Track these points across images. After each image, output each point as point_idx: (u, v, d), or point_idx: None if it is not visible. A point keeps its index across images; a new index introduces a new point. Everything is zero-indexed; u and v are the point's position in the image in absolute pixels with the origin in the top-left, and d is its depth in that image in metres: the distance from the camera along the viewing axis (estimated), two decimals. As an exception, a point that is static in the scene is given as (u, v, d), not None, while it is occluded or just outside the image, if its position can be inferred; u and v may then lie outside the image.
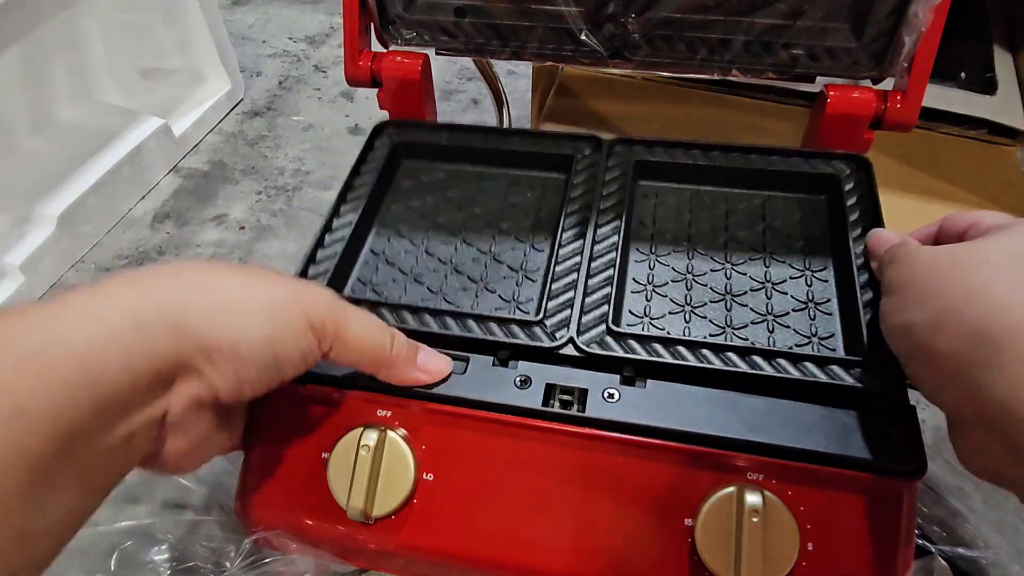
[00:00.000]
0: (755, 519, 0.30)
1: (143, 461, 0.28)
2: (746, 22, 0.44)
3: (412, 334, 0.35)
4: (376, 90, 0.51)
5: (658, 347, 0.35)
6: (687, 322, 0.39)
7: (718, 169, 0.45)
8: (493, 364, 0.35)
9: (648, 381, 0.34)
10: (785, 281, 0.40)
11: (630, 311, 0.40)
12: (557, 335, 0.36)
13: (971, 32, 0.71)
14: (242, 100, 0.96)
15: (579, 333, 0.36)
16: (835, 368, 0.34)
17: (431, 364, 0.35)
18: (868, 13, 0.42)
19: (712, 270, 0.41)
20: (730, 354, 0.35)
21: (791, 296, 0.40)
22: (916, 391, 0.31)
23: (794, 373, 0.34)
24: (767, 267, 0.41)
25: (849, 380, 0.33)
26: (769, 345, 0.37)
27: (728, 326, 0.38)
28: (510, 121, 0.72)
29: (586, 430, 0.33)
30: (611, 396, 0.34)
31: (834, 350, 0.37)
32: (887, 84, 0.45)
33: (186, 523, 0.42)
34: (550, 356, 0.36)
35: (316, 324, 0.30)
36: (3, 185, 0.78)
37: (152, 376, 0.26)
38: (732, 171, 0.45)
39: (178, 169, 0.88)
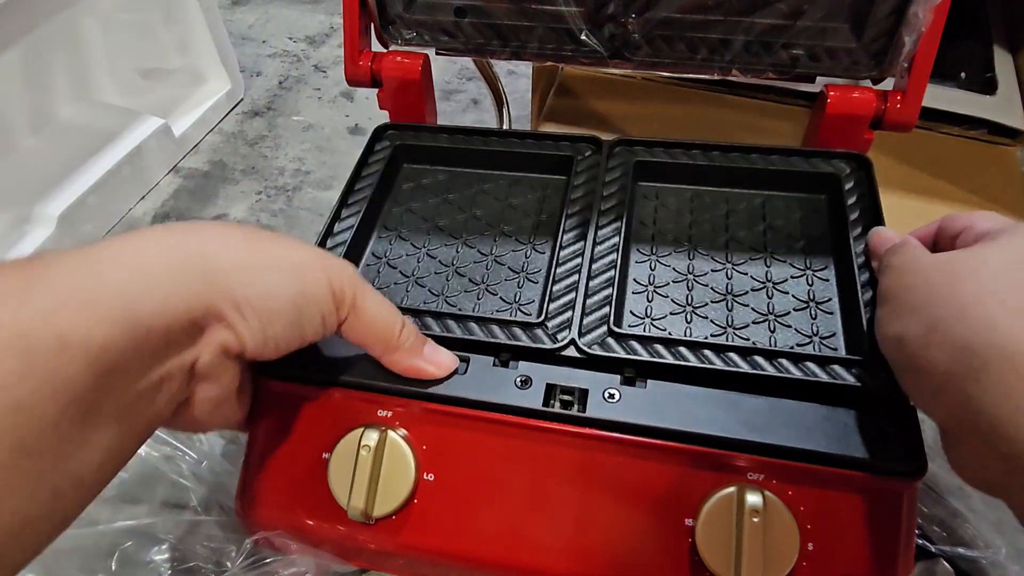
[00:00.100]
0: (755, 519, 0.30)
1: (172, 417, 0.29)
2: (746, 22, 0.44)
3: None
4: (376, 90, 0.51)
5: (660, 348, 0.35)
6: (688, 322, 0.39)
7: (718, 169, 0.45)
8: (494, 364, 0.35)
9: (649, 381, 0.34)
10: (786, 281, 0.40)
11: (631, 312, 0.40)
12: (559, 337, 0.36)
13: (971, 32, 0.71)
14: (242, 100, 0.96)
15: (581, 335, 0.36)
16: (836, 367, 0.34)
17: (436, 357, 0.35)
18: (868, 13, 0.42)
19: (713, 270, 0.41)
20: (731, 354, 0.35)
21: (792, 296, 0.40)
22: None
23: (795, 373, 0.34)
24: (768, 267, 0.41)
25: (850, 379, 0.33)
26: (770, 345, 0.37)
27: (729, 326, 0.38)
28: (510, 121, 0.72)
29: (587, 430, 0.33)
30: (612, 396, 0.34)
31: (835, 349, 0.37)
32: (887, 84, 0.45)
33: (186, 523, 0.42)
34: (552, 358, 0.36)
35: (337, 290, 0.31)
36: (3, 185, 0.78)
37: (187, 321, 0.27)
38: (732, 171, 0.45)
39: (178, 169, 0.88)
